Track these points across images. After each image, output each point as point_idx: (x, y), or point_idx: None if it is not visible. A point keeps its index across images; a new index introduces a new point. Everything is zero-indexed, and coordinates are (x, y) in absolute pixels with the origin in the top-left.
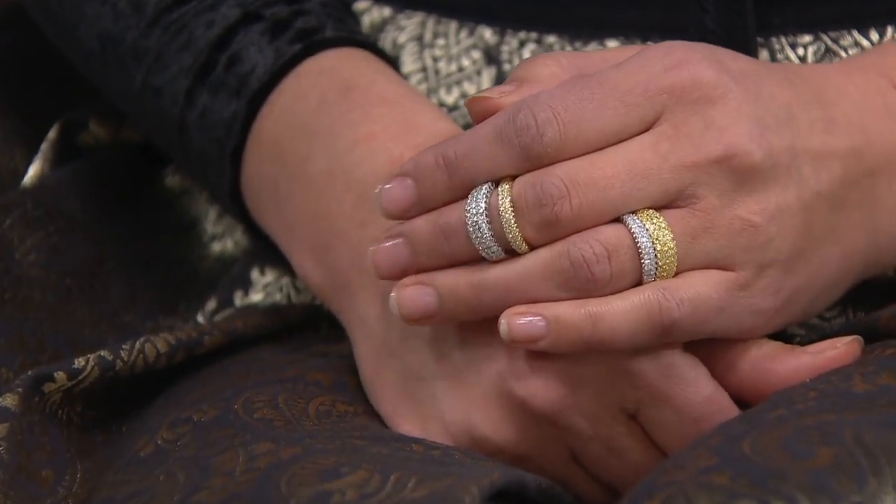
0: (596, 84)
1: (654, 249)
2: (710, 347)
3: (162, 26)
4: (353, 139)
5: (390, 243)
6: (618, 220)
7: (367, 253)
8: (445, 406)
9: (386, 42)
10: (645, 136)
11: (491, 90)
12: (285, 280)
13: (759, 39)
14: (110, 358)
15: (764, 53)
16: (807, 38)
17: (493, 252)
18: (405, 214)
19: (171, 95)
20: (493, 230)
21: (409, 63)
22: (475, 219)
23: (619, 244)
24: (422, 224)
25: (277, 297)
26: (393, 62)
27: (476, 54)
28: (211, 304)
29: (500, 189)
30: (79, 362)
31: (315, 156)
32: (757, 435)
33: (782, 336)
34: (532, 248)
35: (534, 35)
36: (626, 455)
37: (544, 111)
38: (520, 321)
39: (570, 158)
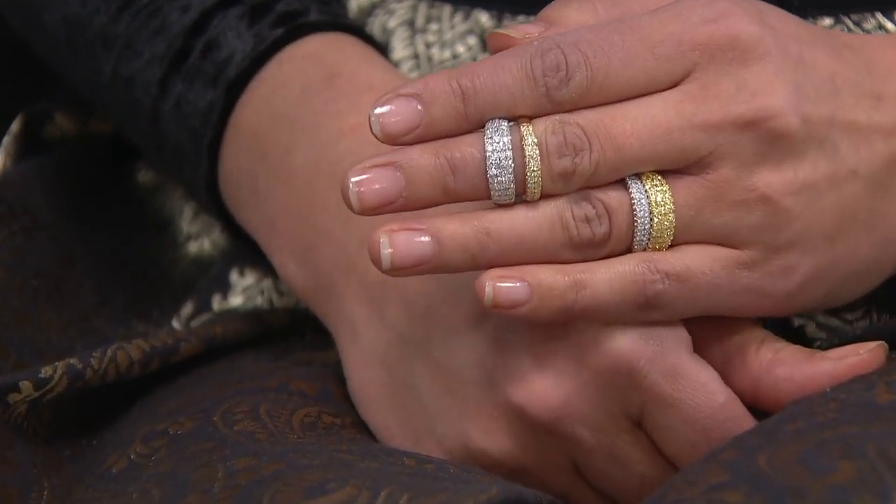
0: (627, 30)
1: (651, 217)
2: (722, 350)
3: (133, 10)
4: (338, 130)
5: (380, 168)
6: (622, 181)
7: (343, 173)
8: (438, 417)
9: (374, 27)
10: (670, 94)
11: (515, 28)
12: (267, 282)
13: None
14: (80, 366)
15: None
16: (827, 21)
17: (507, 194)
18: (404, 139)
19: (143, 84)
20: (515, 171)
21: (399, 49)
22: (499, 154)
23: (619, 207)
24: (423, 153)
25: (258, 301)
26: (381, 48)
27: (472, 40)
28: (187, 309)
29: (523, 128)
30: (46, 371)
31: (298, 148)
32: (773, 448)
33: (801, 339)
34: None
35: (533, 20)
36: (631, 466)
37: (575, 53)
38: (504, 284)
39: (589, 106)
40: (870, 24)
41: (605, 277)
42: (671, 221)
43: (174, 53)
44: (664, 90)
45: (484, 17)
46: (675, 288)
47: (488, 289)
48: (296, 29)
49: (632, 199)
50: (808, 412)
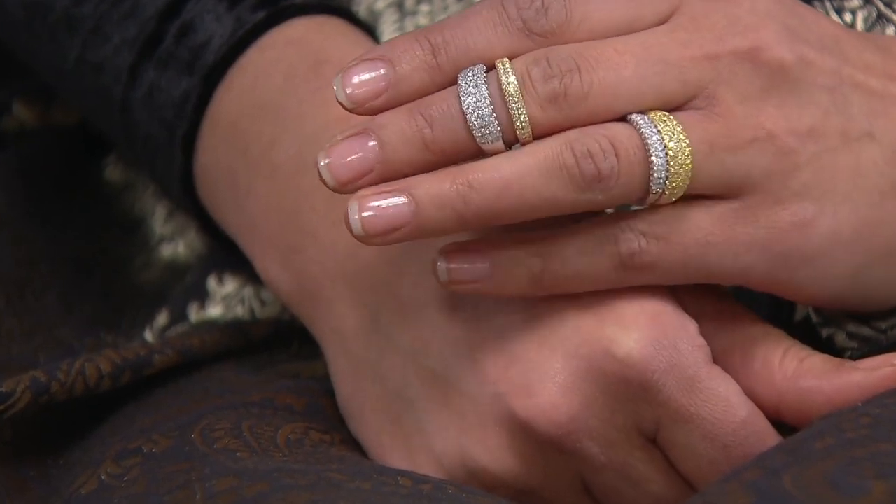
0: None
1: (666, 152)
2: (743, 359)
3: None
4: (324, 121)
5: (351, 138)
6: (624, 120)
7: (315, 155)
8: (435, 432)
9: (361, 9)
10: (659, 27)
11: None
12: (248, 290)
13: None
14: (44, 380)
15: None
16: (855, 2)
17: (492, 136)
18: (373, 105)
19: (112, 71)
20: (496, 109)
21: (388, 33)
22: (475, 95)
23: (629, 143)
24: (395, 114)
25: (239, 311)
26: (371, 32)
27: None
28: (161, 319)
29: (499, 64)
30: (7, 385)
31: (281, 141)
32: (799, 468)
33: (830, 350)
34: (535, 137)
35: None
36: (644, 486)
37: None
38: (458, 265)
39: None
40: None
41: (572, 240)
42: (688, 159)
43: (146, 38)
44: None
45: None
46: (655, 247)
47: (441, 265)
48: (279, 12)
49: (642, 134)
50: (837, 428)
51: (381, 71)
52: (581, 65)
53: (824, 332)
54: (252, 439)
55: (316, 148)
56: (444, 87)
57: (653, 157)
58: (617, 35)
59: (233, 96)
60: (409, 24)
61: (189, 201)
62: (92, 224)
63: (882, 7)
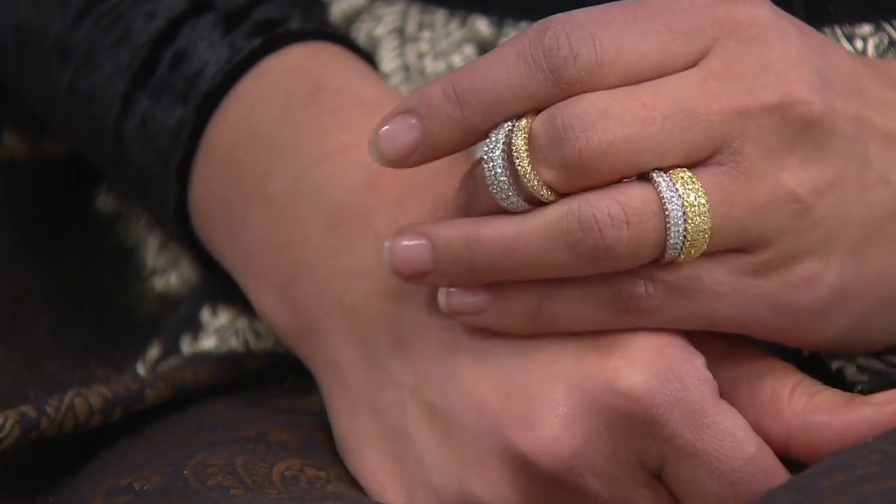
0: (638, 5)
1: (685, 219)
2: (751, 394)
3: (93, 18)
4: (322, 151)
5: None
6: (644, 177)
7: (327, 198)
8: (434, 468)
9: (360, 36)
10: (691, 72)
11: None
12: (242, 322)
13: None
14: (34, 415)
15: None
16: (867, 29)
17: (511, 202)
18: (407, 161)
19: (104, 100)
20: (510, 174)
21: (388, 60)
22: (492, 161)
23: (644, 209)
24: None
25: (233, 344)
26: (371, 59)
27: (469, 49)
28: (153, 352)
29: (517, 124)
30: None
31: (277, 171)
32: None
33: (840, 384)
34: (559, 195)
35: None
36: None
37: (578, 29)
38: (458, 295)
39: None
40: None
41: (574, 279)
42: (706, 221)
43: (139, 65)
44: (682, 70)
45: (482, 24)
46: (662, 293)
47: (441, 294)
48: (275, 38)
49: (662, 198)
50: (847, 464)
51: (413, 126)
52: (600, 122)
53: (834, 366)
54: (246, 475)
55: (312, 178)
56: (476, 135)
57: (670, 221)
58: (649, 75)
59: (228, 125)
60: (411, 52)
61: (183, 232)
62: (82, 256)
63: (894, 34)
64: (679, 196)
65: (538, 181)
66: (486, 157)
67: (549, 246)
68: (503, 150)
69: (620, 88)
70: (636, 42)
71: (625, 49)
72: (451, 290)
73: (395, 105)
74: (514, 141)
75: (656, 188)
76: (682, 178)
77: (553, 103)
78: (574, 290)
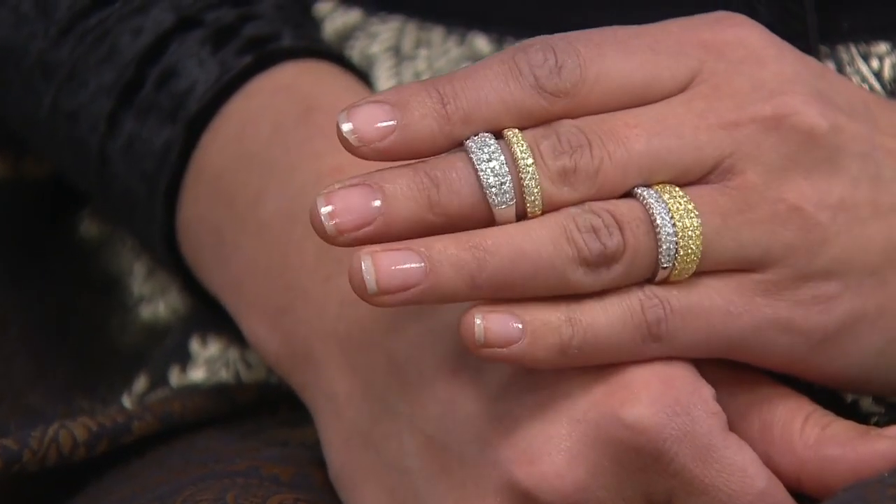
0: (620, 29)
1: (674, 227)
2: (762, 426)
3: (77, 34)
4: (315, 174)
5: (353, 187)
6: (630, 195)
7: (309, 203)
8: (432, 502)
9: (354, 53)
10: (676, 96)
11: None
12: (233, 353)
13: (824, 48)
14: (16, 448)
15: (829, 65)
16: (883, 48)
17: (507, 202)
18: (378, 146)
19: (88, 120)
20: (512, 178)
21: (383, 79)
22: (491, 161)
23: (630, 215)
24: (400, 169)
25: (223, 375)
26: (365, 77)
27: None
28: (140, 384)
29: (510, 134)
30: None
31: (269, 194)
32: None
33: (855, 415)
34: (543, 211)
35: None
36: None
37: (562, 44)
38: (496, 317)
39: (585, 112)
40: None
41: (600, 308)
42: (698, 234)
43: (125, 84)
44: (668, 96)
45: (482, 42)
46: (679, 315)
47: (478, 321)
48: (266, 56)
49: (647, 206)
50: (861, 499)
51: (389, 113)
52: (591, 140)
53: (849, 397)
54: None
55: (305, 201)
56: (452, 139)
57: (660, 233)
58: (633, 97)
59: (218, 146)
60: (407, 70)
61: (170, 258)
62: (65, 283)
63: None
64: (665, 204)
65: (538, 187)
66: (483, 164)
67: (558, 252)
68: (503, 158)
69: (604, 114)
70: (620, 60)
71: (608, 66)
72: (490, 317)
73: (366, 96)
74: (519, 151)
75: (642, 202)
76: (670, 191)
77: (537, 114)
78: (601, 317)
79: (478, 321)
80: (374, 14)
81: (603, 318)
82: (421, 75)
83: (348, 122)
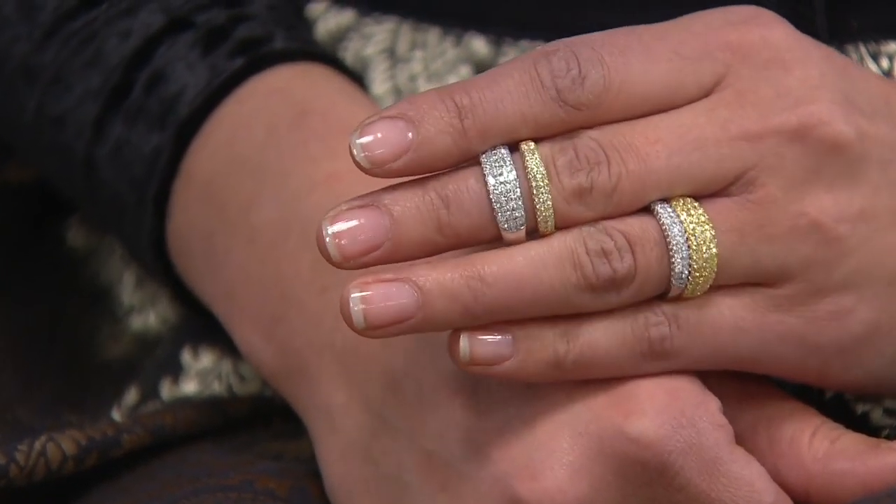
0: (645, 31)
1: (689, 246)
2: (769, 439)
3: (62, 37)
4: (310, 179)
5: (360, 209)
6: (646, 209)
7: (315, 227)
8: None
9: (348, 55)
10: (700, 102)
11: None
12: (226, 364)
13: (833, 48)
14: (2, 462)
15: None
16: (892, 47)
17: (517, 224)
18: (392, 167)
19: (74, 125)
20: (524, 195)
21: (378, 82)
22: (503, 181)
23: (644, 235)
24: (409, 188)
25: (216, 388)
26: (360, 80)
27: (465, 70)
28: (130, 397)
29: (525, 148)
30: None
31: (262, 201)
32: None
33: (865, 428)
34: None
35: (539, 45)
36: None
37: (587, 51)
38: (483, 337)
39: (605, 121)
40: None
41: (599, 322)
42: (713, 251)
43: (112, 88)
44: (692, 102)
45: (479, 44)
46: (686, 331)
47: (463, 342)
48: (258, 59)
49: (662, 225)
50: None
51: (403, 130)
52: (610, 155)
53: (859, 409)
54: None
55: (299, 208)
56: (467, 154)
57: (675, 256)
58: (655, 105)
59: (209, 152)
60: (402, 73)
61: (160, 267)
62: (53, 293)
63: None
64: (681, 223)
65: (551, 205)
66: (497, 184)
67: (561, 277)
68: (515, 176)
69: (624, 123)
70: (644, 68)
71: (633, 74)
72: (476, 336)
73: (376, 111)
74: (532, 168)
75: (657, 217)
76: (686, 207)
77: (555, 127)
78: (600, 334)
79: (463, 341)
80: (367, 15)
81: (602, 334)
82: (416, 77)
83: (361, 141)
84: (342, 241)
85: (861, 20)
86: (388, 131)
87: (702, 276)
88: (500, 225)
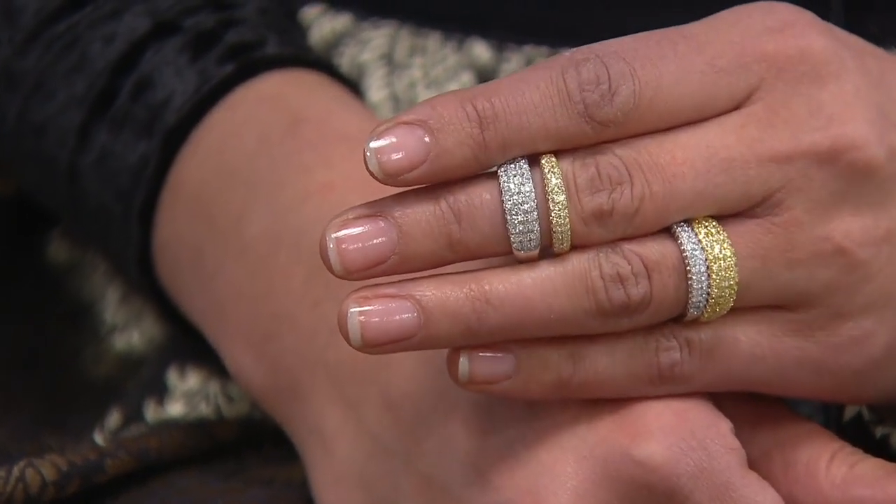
0: (680, 38)
1: (708, 272)
2: (784, 463)
3: (44, 41)
4: (304, 190)
5: (366, 219)
6: (667, 230)
7: (321, 238)
8: None
9: (344, 62)
10: (729, 117)
11: None
12: (214, 385)
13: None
14: None
15: None
16: None
17: (531, 244)
18: (406, 179)
19: (57, 133)
20: (541, 213)
21: (375, 90)
22: (519, 194)
23: (662, 261)
24: (419, 198)
25: (203, 410)
26: (356, 87)
27: (466, 77)
28: (113, 419)
29: (545, 161)
30: None
31: (253, 213)
32: None
33: (884, 452)
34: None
35: (544, 50)
36: None
37: (618, 63)
38: (484, 354)
39: (631, 135)
40: None
41: (608, 345)
42: (733, 278)
43: (97, 94)
44: (722, 114)
45: (481, 49)
46: (698, 358)
47: (463, 360)
48: (250, 65)
49: (682, 251)
50: None
51: (420, 138)
52: (634, 175)
53: (878, 432)
54: None
55: (292, 220)
56: (485, 167)
57: (693, 283)
58: (685, 119)
59: (197, 161)
60: (400, 80)
61: (146, 282)
62: (32, 310)
63: None
64: (702, 249)
65: (569, 226)
66: (509, 192)
67: (571, 302)
68: (534, 187)
69: (651, 137)
70: (677, 81)
71: (664, 89)
72: (477, 354)
73: (395, 116)
74: (548, 181)
75: (677, 241)
76: (707, 228)
77: (579, 141)
78: (608, 352)
79: (462, 359)
80: (364, 19)
81: (609, 358)
82: (416, 84)
83: (376, 145)
84: (346, 253)
85: (879, 24)
86: (405, 138)
87: (719, 303)
88: (512, 244)
